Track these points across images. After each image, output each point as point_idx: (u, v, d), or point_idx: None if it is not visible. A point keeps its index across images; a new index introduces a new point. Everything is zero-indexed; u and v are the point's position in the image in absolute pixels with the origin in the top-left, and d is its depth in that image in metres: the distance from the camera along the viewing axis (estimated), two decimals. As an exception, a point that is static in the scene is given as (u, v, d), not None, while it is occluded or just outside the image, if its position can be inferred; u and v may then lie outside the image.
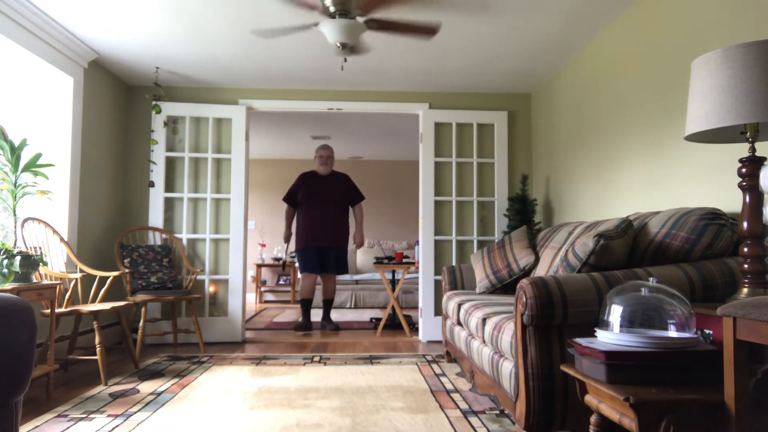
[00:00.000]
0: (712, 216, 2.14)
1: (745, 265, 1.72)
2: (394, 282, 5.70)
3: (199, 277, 4.76)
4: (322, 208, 5.23)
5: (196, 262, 4.81)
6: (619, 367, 1.55)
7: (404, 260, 5.68)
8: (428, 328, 4.87)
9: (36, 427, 2.45)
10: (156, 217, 4.73)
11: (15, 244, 3.09)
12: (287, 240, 5.40)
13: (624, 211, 3.34)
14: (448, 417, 2.59)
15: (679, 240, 2.16)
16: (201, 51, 4.09)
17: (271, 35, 3.51)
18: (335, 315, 6.69)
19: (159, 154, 4.75)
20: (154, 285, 4.28)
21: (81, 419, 2.57)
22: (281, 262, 5.45)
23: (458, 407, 2.75)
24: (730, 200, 2.34)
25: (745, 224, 1.71)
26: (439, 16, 3.42)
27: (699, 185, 2.58)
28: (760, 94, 1.57)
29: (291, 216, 5.48)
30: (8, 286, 2.70)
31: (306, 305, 5.27)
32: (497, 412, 2.66)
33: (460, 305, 3.21)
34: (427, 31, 3.40)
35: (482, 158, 5.05)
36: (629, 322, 1.69)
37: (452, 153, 5.01)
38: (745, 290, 1.70)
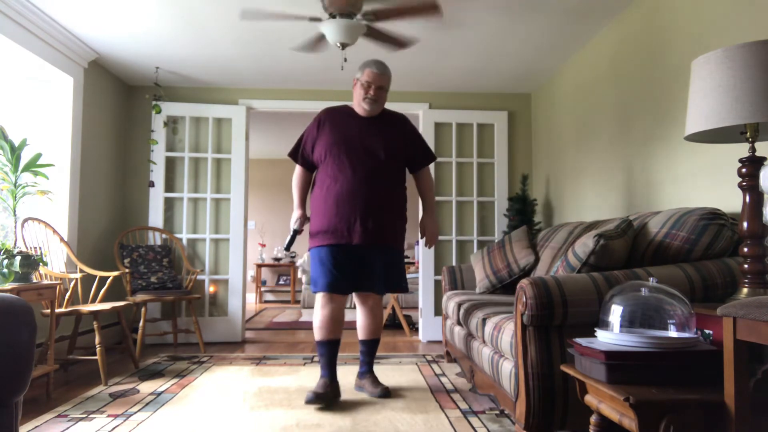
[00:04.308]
0: (712, 216, 2.14)
1: (745, 265, 1.72)
2: (394, 282, 5.69)
3: (199, 277, 4.76)
4: (363, 173, 2.87)
5: (196, 262, 4.81)
6: (619, 367, 1.55)
7: (404, 260, 5.68)
8: (428, 328, 4.87)
9: (36, 427, 2.45)
10: (156, 217, 4.73)
11: (15, 244, 3.09)
12: (301, 225, 3.12)
13: (624, 211, 3.34)
14: (448, 417, 2.59)
15: (679, 240, 2.16)
16: (201, 51, 4.09)
17: (259, 17, 3.40)
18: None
19: (159, 154, 4.75)
20: (154, 285, 4.28)
21: (81, 419, 2.56)
22: (295, 228, 3.14)
23: (458, 407, 2.75)
24: (730, 200, 2.34)
25: (745, 224, 1.71)
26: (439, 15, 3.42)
27: (699, 185, 2.58)
28: (760, 94, 1.57)
29: (305, 184, 3.14)
30: (8, 286, 2.70)
31: (328, 353, 2.93)
32: (497, 412, 2.66)
33: (460, 305, 3.21)
34: (429, 7, 3.17)
35: (482, 158, 5.05)
36: (629, 322, 1.69)
37: (452, 153, 5.01)
38: (745, 290, 1.70)
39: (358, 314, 3.12)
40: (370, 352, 3.14)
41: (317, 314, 2.94)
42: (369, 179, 2.88)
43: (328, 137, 2.95)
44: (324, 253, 2.90)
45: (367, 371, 3.12)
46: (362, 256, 2.92)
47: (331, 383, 2.85)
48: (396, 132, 3.02)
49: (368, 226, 2.86)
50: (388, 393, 2.98)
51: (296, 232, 3.08)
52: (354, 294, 3.05)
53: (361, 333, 3.12)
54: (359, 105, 2.95)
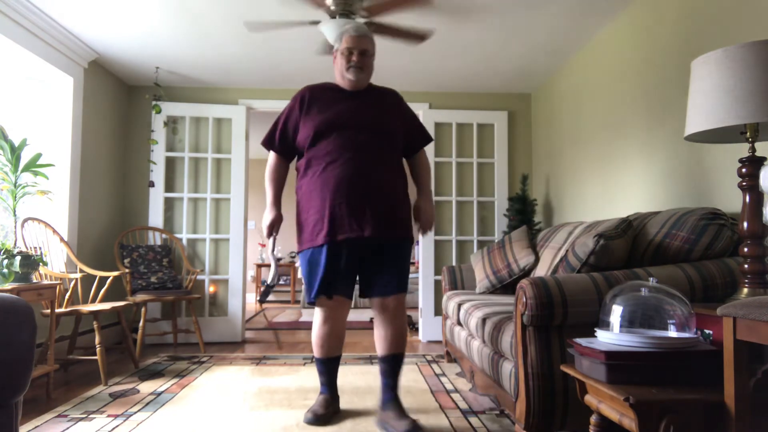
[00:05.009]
0: (712, 216, 2.14)
1: (745, 265, 1.72)
2: (394, 282, 5.67)
3: (199, 277, 4.76)
4: (365, 154, 2.43)
5: (196, 262, 4.81)
6: (619, 367, 1.55)
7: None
8: (428, 328, 4.87)
9: (36, 427, 2.45)
10: (156, 217, 4.73)
11: (15, 244, 3.09)
12: (274, 227, 2.58)
13: (624, 211, 3.34)
14: (448, 417, 2.59)
15: (679, 240, 2.16)
16: (201, 51, 4.09)
17: (264, 28, 3.44)
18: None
19: (159, 154, 4.75)
20: (154, 285, 4.28)
21: (81, 419, 2.56)
22: (268, 282, 2.65)
23: (458, 407, 2.75)
24: (730, 200, 2.34)
25: (745, 224, 1.71)
26: (439, 15, 3.42)
27: (699, 185, 2.58)
28: (760, 94, 1.57)
29: (282, 176, 2.68)
30: (8, 286, 2.70)
31: (329, 370, 2.62)
32: (497, 412, 2.66)
33: (460, 305, 3.21)
34: (417, 37, 3.38)
35: (482, 158, 5.05)
36: (629, 322, 1.69)
37: (452, 153, 5.01)
38: (745, 290, 1.70)
39: (375, 324, 2.54)
40: (393, 372, 2.49)
41: (316, 329, 2.54)
42: (373, 160, 2.43)
43: (316, 116, 2.47)
44: (328, 251, 2.38)
45: (391, 399, 2.46)
46: (372, 251, 2.43)
47: (332, 401, 2.60)
48: (391, 107, 2.60)
49: (380, 216, 2.38)
50: (418, 428, 2.30)
51: (270, 287, 2.60)
52: (371, 301, 2.52)
53: (381, 347, 2.50)
54: (343, 78, 2.51)
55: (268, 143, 2.61)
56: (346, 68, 2.48)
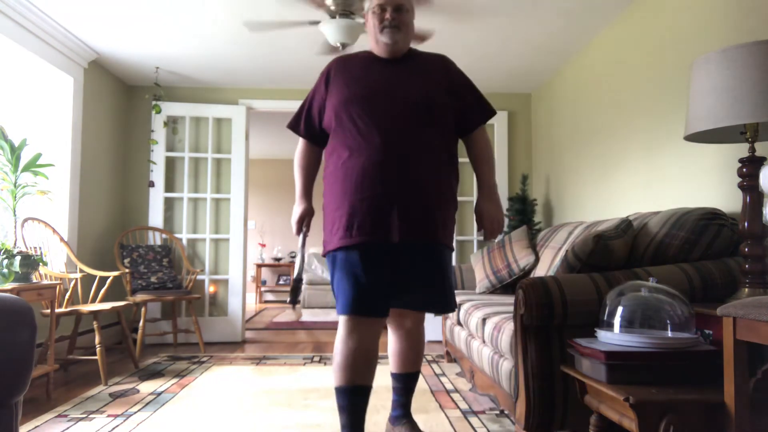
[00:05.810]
0: (712, 216, 2.14)
1: (746, 265, 1.72)
2: (394, 282, 5.66)
3: (199, 277, 4.76)
4: (397, 137, 1.98)
5: (196, 262, 4.81)
6: (619, 367, 1.55)
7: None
8: (428, 328, 4.86)
9: (36, 427, 2.45)
10: (156, 217, 4.73)
11: (15, 244, 3.09)
12: (303, 221, 2.21)
13: (624, 211, 3.34)
14: (448, 417, 2.59)
15: (679, 240, 2.16)
16: (201, 51, 4.09)
17: (264, 28, 3.46)
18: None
19: (159, 154, 4.75)
20: (154, 285, 4.28)
21: (81, 419, 2.57)
22: (294, 277, 2.17)
23: (458, 407, 2.75)
24: (730, 200, 2.34)
25: (745, 224, 1.71)
26: (440, 15, 3.42)
27: (699, 185, 2.58)
28: (760, 94, 1.58)
29: (312, 164, 2.25)
30: (8, 286, 2.70)
31: (352, 406, 1.95)
32: (497, 412, 2.66)
33: (460, 305, 3.21)
34: (418, 38, 3.37)
35: (482, 158, 5.04)
36: (629, 323, 1.69)
37: (452, 153, 5.00)
38: (745, 290, 1.70)
39: (390, 339, 2.24)
40: (406, 390, 2.22)
41: (339, 347, 1.96)
42: (406, 145, 1.97)
43: (342, 92, 2.03)
44: (350, 258, 1.93)
45: (402, 416, 2.20)
46: (400, 258, 1.97)
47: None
48: (437, 76, 2.10)
49: (410, 215, 1.94)
50: None
51: (298, 281, 2.16)
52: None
53: (394, 363, 2.22)
54: (377, 42, 2.05)
55: (294, 127, 2.21)
56: (380, 29, 2.02)
